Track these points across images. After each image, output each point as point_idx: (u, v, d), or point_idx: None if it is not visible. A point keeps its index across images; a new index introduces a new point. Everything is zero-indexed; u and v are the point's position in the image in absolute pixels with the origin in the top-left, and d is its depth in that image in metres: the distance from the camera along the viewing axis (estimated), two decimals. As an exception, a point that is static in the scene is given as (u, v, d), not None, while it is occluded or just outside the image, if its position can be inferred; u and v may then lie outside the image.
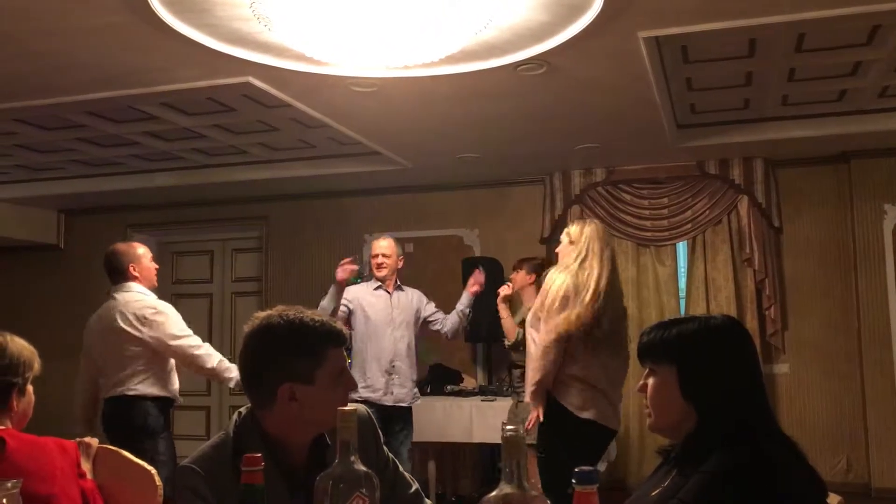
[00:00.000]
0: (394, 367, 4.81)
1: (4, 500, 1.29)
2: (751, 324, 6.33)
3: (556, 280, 3.76)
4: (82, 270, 7.97)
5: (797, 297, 6.55)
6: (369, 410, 1.94)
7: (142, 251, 4.23)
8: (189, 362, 4.06)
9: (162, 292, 4.55)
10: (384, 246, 4.97)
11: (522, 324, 4.99)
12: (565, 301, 3.68)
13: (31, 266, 8.46)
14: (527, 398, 4.02)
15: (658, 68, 4.42)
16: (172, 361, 4.14)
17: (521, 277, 5.22)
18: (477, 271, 5.21)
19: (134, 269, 4.14)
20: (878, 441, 6.16)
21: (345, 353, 1.82)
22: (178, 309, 4.20)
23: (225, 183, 7.11)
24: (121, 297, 4.10)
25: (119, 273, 4.14)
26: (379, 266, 4.91)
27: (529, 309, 5.04)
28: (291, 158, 6.70)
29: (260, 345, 1.76)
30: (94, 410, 4.21)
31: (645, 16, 3.66)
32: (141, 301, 4.07)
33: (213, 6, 3.46)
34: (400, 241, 5.22)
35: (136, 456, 2.41)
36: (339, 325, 1.81)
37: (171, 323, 4.04)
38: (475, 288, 5.09)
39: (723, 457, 1.59)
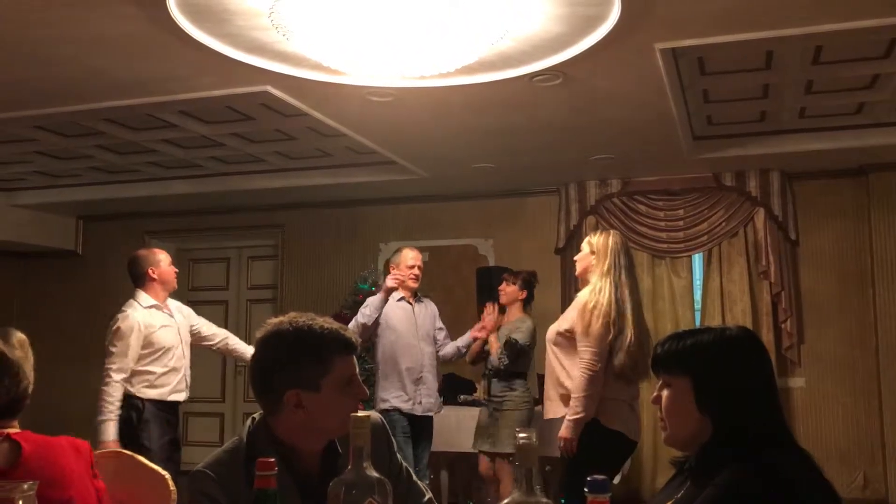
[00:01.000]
0: (421, 377, 4.82)
1: (21, 502, 1.30)
2: (766, 337, 6.29)
3: (596, 302, 3.67)
4: (100, 276, 8.04)
5: (813, 310, 6.49)
6: (384, 418, 1.94)
7: (161, 256, 4.42)
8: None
9: (178, 299, 4.62)
10: (419, 257, 4.94)
11: (506, 342, 4.98)
12: (610, 329, 3.62)
13: (49, 272, 8.53)
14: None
15: (675, 80, 4.42)
16: (169, 366, 4.27)
17: (514, 291, 5.13)
18: (489, 308, 5.09)
19: (153, 272, 4.31)
20: (895, 456, 6.08)
21: (355, 362, 1.80)
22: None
23: (242, 191, 7.14)
24: (126, 302, 4.30)
25: (138, 277, 4.35)
26: (416, 277, 4.89)
27: (512, 324, 5.05)
28: (308, 167, 6.73)
29: (268, 351, 1.77)
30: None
31: (662, 27, 3.66)
32: (123, 312, 4.21)
33: (231, 16, 3.49)
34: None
35: (125, 444, 2.44)
36: (349, 333, 1.79)
37: (113, 342, 4.15)
38: (482, 334, 5.01)
39: (736, 469, 1.58)
